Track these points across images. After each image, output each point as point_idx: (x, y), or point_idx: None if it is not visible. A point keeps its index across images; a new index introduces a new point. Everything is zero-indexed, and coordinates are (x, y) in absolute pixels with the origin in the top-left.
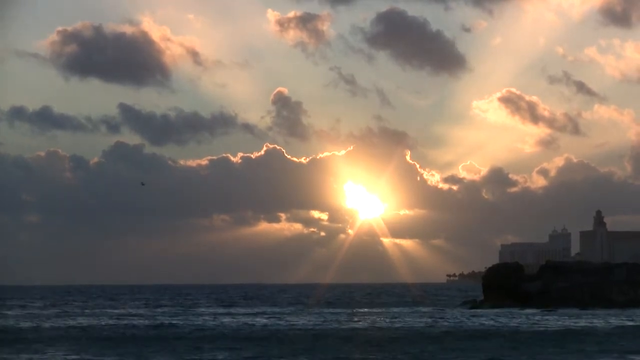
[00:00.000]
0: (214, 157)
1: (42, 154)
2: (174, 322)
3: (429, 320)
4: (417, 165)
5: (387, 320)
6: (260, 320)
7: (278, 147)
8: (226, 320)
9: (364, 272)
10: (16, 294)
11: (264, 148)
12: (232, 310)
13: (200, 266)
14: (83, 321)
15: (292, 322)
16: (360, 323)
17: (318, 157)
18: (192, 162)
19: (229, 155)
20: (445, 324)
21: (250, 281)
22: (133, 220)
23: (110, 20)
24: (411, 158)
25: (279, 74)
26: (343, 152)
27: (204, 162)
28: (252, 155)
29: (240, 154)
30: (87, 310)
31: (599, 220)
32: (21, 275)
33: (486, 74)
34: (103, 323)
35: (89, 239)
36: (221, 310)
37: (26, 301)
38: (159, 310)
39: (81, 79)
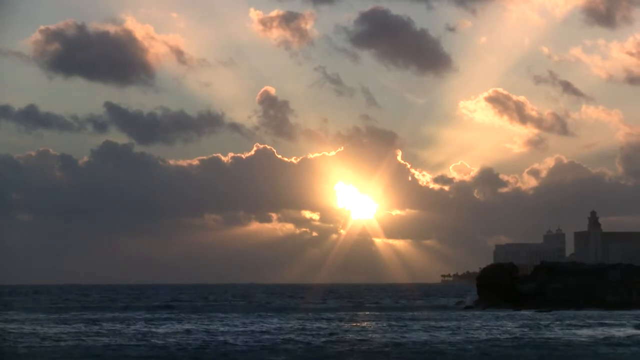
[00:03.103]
0: (205, 157)
1: (33, 153)
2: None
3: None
4: (408, 165)
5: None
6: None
7: (268, 147)
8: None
9: (357, 272)
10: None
11: (255, 148)
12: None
13: (191, 266)
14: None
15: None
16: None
17: (309, 157)
18: (183, 162)
19: (219, 155)
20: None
21: (242, 281)
22: (125, 220)
23: (94, 19)
24: (402, 158)
25: (263, 73)
26: (333, 152)
27: (195, 162)
28: (242, 156)
29: (230, 154)
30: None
31: (593, 220)
32: (13, 275)
33: (472, 73)
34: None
35: (80, 239)
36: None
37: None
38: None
39: (65, 77)
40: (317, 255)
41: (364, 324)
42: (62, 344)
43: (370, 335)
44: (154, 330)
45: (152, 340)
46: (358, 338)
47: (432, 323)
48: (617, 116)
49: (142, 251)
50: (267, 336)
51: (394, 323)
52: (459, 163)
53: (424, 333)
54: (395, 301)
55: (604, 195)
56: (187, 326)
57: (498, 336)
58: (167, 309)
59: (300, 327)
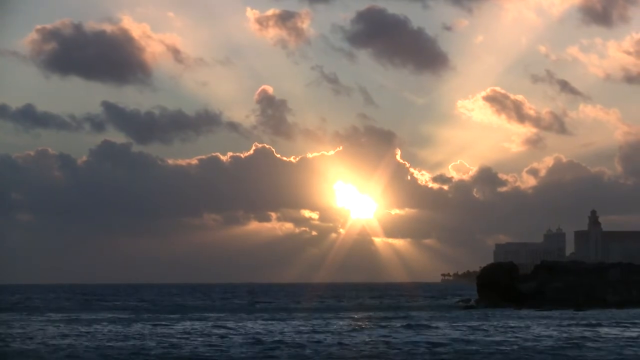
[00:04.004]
0: (204, 157)
1: (32, 152)
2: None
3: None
4: (407, 165)
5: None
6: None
7: (267, 147)
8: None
9: (357, 272)
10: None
11: (253, 147)
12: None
13: (191, 266)
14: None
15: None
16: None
17: (307, 157)
18: (182, 162)
19: (218, 154)
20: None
21: (241, 281)
22: (124, 219)
23: (90, 18)
24: (401, 157)
25: (261, 72)
26: (332, 152)
27: (194, 161)
28: (241, 155)
29: (229, 154)
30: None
31: (594, 220)
32: (12, 274)
33: (469, 72)
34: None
35: (80, 239)
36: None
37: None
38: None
39: (62, 77)
40: (316, 255)
41: (365, 323)
42: (61, 343)
43: (371, 334)
44: (153, 331)
45: (152, 341)
46: (360, 338)
47: (434, 322)
48: (615, 115)
49: (142, 251)
50: (267, 336)
51: (394, 323)
52: (458, 162)
53: (426, 333)
54: (395, 300)
55: (603, 194)
56: (187, 326)
57: (511, 336)
58: (166, 308)
59: (301, 327)
